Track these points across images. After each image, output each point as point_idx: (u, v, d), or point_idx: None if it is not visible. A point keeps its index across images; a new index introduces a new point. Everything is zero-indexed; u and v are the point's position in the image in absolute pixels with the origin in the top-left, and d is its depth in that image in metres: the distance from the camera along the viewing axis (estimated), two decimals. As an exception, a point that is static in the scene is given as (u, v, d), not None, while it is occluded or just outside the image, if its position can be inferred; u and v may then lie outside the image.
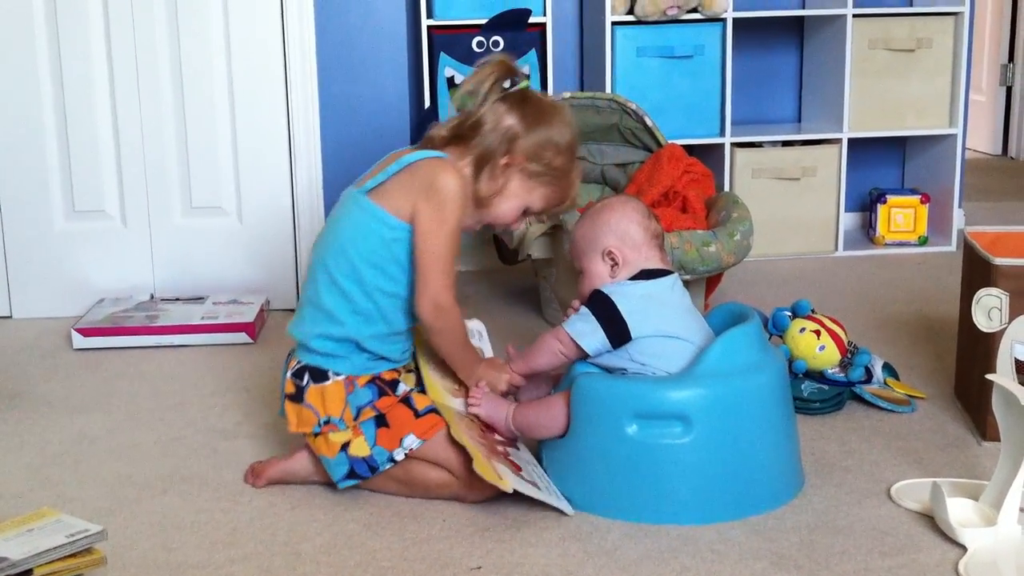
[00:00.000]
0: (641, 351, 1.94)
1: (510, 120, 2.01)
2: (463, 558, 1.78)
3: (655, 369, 1.93)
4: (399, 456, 1.96)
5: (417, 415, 1.98)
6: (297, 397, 1.99)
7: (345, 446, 1.96)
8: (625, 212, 2.05)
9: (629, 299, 1.95)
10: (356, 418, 1.96)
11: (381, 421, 1.97)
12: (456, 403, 2.06)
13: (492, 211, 2.05)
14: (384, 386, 1.99)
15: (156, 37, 3.11)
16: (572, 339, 1.96)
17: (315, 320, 2.00)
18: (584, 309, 1.98)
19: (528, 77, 2.09)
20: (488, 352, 2.20)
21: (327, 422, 1.96)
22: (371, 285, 1.96)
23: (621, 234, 2.02)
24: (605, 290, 1.98)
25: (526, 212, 2.08)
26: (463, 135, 2.03)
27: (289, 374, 2.01)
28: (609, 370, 1.98)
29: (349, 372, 1.98)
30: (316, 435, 1.98)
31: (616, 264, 2.01)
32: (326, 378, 1.97)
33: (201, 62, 3.14)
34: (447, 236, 1.94)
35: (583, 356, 1.98)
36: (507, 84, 2.04)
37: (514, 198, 2.04)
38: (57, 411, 2.46)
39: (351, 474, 1.97)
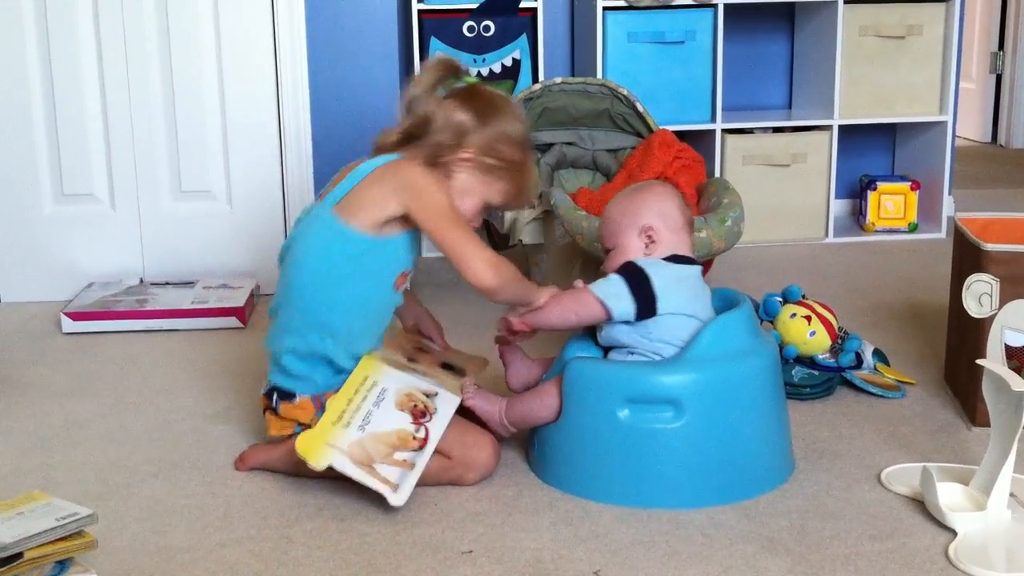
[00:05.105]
0: (659, 328, 1.92)
1: (461, 115, 1.97)
2: (454, 542, 1.78)
3: (661, 349, 1.92)
4: None
5: None
6: (272, 410, 2.02)
7: None
8: (666, 194, 2.03)
9: (661, 277, 1.92)
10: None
11: None
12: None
13: None
14: None
15: (145, 20, 3.09)
16: (599, 300, 1.91)
17: (285, 336, 2.00)
18: (614, 276, 1.94)
19: (474, 75, 2.06)
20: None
21: (306, 426, 1.98)
22: (337, 302, 1.95)
23: (662, 214, 1.99)
24: (639, 263, 1.94)
25: (485, 207, 2.04)
26: (414, 135, 2.00)
27: (262, 392, 2.05)
28: (609, 347, 1.98)
29: (313, 392, 1.99)
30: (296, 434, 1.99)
31: (652, 242, 1.98)
32: (293, 398, 2.00)
33: (190, 46, 3.12)
34: (447, 217, 1.92)
35: (600, 320, 1.93)
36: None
37: (472, 194, 2.01)
38: (46, 395, 2.46)
39: None
